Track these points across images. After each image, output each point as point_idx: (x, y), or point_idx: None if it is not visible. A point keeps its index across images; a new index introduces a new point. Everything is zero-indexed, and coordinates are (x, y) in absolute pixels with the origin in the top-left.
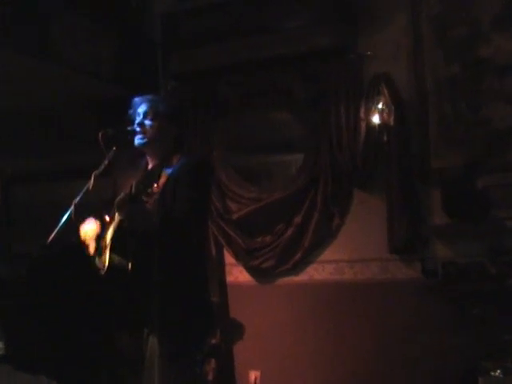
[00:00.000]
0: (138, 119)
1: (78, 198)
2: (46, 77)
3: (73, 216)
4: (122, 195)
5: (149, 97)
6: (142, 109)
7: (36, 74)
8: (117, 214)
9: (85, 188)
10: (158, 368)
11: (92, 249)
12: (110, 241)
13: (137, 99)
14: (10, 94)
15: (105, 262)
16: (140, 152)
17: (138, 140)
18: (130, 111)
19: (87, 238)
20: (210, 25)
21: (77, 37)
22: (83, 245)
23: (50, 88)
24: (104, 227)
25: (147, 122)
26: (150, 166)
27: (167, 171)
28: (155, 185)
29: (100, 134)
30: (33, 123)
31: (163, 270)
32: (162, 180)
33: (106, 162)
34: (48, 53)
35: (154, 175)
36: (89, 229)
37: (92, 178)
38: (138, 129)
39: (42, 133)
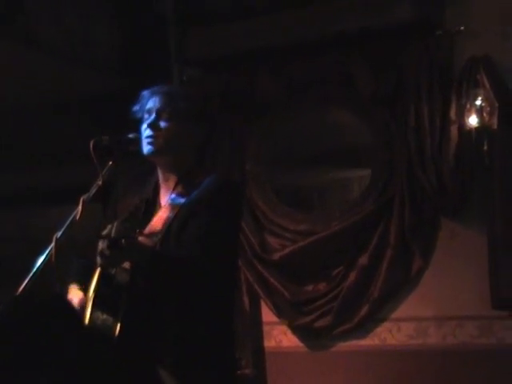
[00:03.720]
0: (150, 119)
1: (60, 232)
2: (19, 68)
3: (53, 256)
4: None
5: (164, 88)
6: (153, 104)
7: (7, 65)
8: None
9: (70, 217)
10: None
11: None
12: (93, 292)
13: (146, 92)
14: None
15: (85, 320)
16: (149, 166)
17: (148, 147)
18: (136, 107)
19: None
20: None
21: (61, 14)
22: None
23: (26, 83)
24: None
25: (162, 123)
26: (162, 188)
27: (180, 197)
28: (137, 230)
29: (91, 144)
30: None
31: (167, 335)
32: (171, 215)
33: (100, 181)
34: (22, 35)
35: (139, 211)
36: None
37: (80, 204)
38: (150, 132)
39: (13, 142)
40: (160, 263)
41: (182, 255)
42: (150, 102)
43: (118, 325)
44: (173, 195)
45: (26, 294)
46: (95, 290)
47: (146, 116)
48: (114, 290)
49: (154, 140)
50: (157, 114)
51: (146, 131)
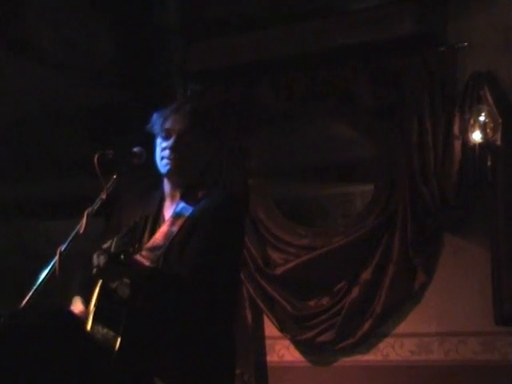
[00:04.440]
0: (171, 141)
1: (64, 245)
2: (18, 79)
3: (57, 270)
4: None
5: (183, 108)
6: (173, 125)
7: (7, 76)
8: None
9: (74, 231)
10: None
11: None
12: (94, 306)
13: (166, 110)
14: None
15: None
16: (154, 180)
17: (167, 167)
18: (152, 122)
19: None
20: (247, 5)
21: (61, 24)
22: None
23: (25, 94)
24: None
25: (183, 147)
26: (166, 201)
27: (184, 211)
28: (135, 246)
29: (96, 157)
30: None
31: (167, 349)
32: (174, 229)
33: (104, 195)
34: (21, 45)
35: (138, 228)
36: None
37: (84, 217)
38: (171, 155)
39: (13, 154)
40: (159, 281)
41: (183, 272)
42: (169, 122)
43: (119, 339)
44: (177, 209)
45: (28, 307)
46: (96, 304)
47: (163, 134)
48: (114, 304)
49: (173, 161)
50: (178, 135)
51: (164, 151)
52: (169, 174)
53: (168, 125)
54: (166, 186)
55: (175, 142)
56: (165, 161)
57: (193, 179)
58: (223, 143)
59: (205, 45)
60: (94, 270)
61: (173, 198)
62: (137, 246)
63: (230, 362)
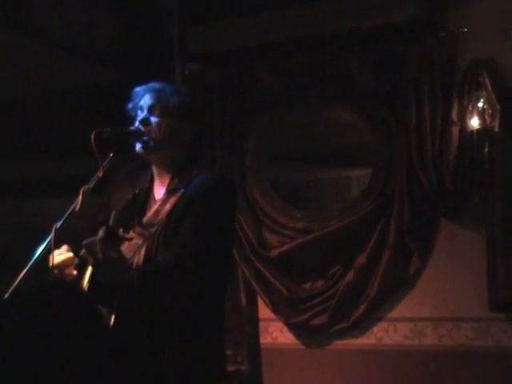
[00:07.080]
0: (141, 115)
1: (59, 222)
2: (16, 56)
3: (52, 246)
4: (98, 235)
5: (155, 85)
6: (145, 101)
7: (8, 55)
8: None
9: (70, 208)
10: None
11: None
12: (87, 283)
13: (139, 89)
14: None
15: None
16: (146, 161)
17: (139, 144)
18: (130, 105)
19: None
20: None
21: (62, 5)
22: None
23: (26, 74)
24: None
25: (153, 119)
26: (156, 182)
27: (176, 190)
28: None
29: (92, 136)
30: None
31: (163, 327)
32: (167, 207)
33: (100, 173)
34: (20, 23)
35: (138, 201)
36: (60, 259)
37: (80, 195)
38: (141, 128)
39: (10, 133)
40: (148, 284)
41: (172, 257)
42: (143, 100)
43: (113, 316)
44: (168, 190)
45: (25, 283)
46: (90, 281)
47: (139, 113)
48: None
49: (145, 137)
50: (148, 110)
51: (140, 129)
52: (146, 152)
53: (140, 103)
54: (154, 167)
55: (145, 115)
56: (139, 138)
57: (175, 158)
58: (208, 124)
59: (205, 27)
60: (87, 244)
61: (162, 179)
62: (136, 219)
63: (219, 346)
